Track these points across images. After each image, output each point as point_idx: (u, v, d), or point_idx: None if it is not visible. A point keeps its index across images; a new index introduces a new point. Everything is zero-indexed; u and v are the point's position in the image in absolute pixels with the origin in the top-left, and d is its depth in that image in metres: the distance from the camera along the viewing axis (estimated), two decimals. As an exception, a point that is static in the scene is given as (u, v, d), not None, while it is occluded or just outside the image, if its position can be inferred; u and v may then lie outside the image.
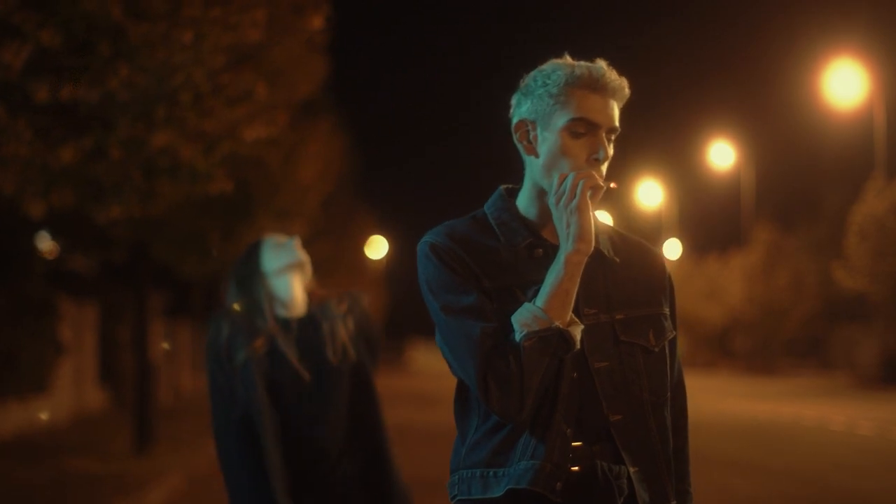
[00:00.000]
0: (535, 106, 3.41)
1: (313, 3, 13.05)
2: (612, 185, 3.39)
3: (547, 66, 3.43)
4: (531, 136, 3.43)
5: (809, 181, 54.16)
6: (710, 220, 64.09)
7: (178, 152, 9.73)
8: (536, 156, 3.41)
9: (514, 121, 3.47)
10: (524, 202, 3.47)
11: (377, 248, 72.32)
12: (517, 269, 3.36)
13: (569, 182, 3.28)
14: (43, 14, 8.35)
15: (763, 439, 20.93)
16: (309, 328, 5.51)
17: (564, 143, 3.35)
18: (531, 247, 3.40)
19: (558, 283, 3.23)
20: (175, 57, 9.04)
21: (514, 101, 3.49)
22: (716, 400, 31.01)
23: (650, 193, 64.24)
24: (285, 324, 5.48)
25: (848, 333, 47.32)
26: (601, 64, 3.40)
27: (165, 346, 22.27)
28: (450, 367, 3.40)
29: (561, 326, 3.19)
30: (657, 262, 3.59)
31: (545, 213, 3.42)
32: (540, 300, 3.23)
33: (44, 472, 15.42)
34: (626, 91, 3.44)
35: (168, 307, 32.60)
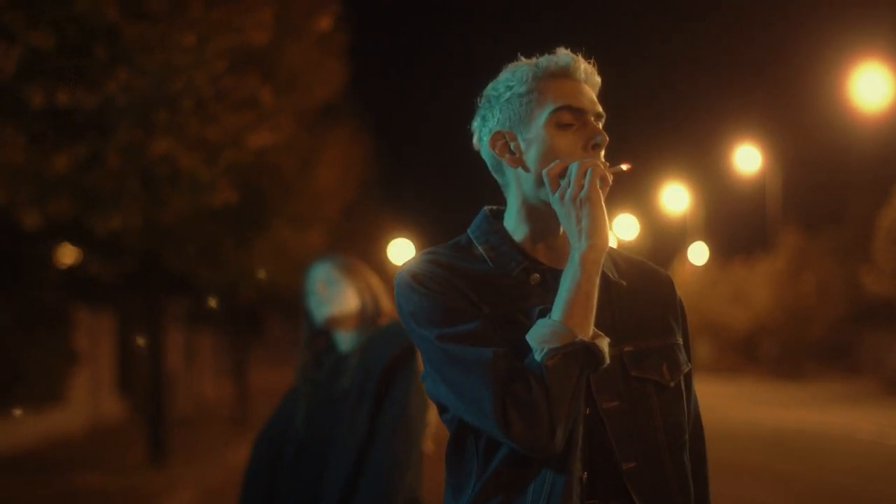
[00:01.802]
0: (507, 112, 3.02)
1: (322, 4, 12.68)
2: (625, 166, 3.00)
3: (504, 72, 3.06)
4: (511, 147, 3.02)
5: (836, 185, 53.68)
6: (736, 224, 63.63)
7: (177, 161, 9.36)
8: (525, 167, 3.00)
9: (486, 139, 3.05)
10: (512, 223, 3.06)
11: (403, 252, 71.77)
12: (515, 296, 2.94)
13: (574, 171, 2.87)
14: (33, 15, 8.01)
15: (790, 448, 20.49)
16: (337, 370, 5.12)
17: (553, 138, 2.96)
18: (526, 272, 2.99)
19: (576, 287, 2.80)
20: (175, 59, 8.69)
21: (475, 124, 3.10)
22: (741, 407, 30.60)
23: (676, 198, 63.85)
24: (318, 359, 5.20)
25: (876, 338, 46.85)
26: (564, 51, 3.02)
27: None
28: (441, 411, 2.98)
29: (586, 339, 2.76)
30: (666, 285, 3.19)
31: (538, 234, 3.03)
32: (557, 312, 2.78)
33: (51, 488, 15.15)
34: (597, 78, 3.06)
35: (189, 315, 32.38)
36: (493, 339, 2.83)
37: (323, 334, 5.21)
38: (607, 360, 2.79)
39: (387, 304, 5.15)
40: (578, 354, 2.75)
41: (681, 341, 3.12)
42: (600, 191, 2.88)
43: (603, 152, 2.99)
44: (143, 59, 8.50)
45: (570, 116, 2.96)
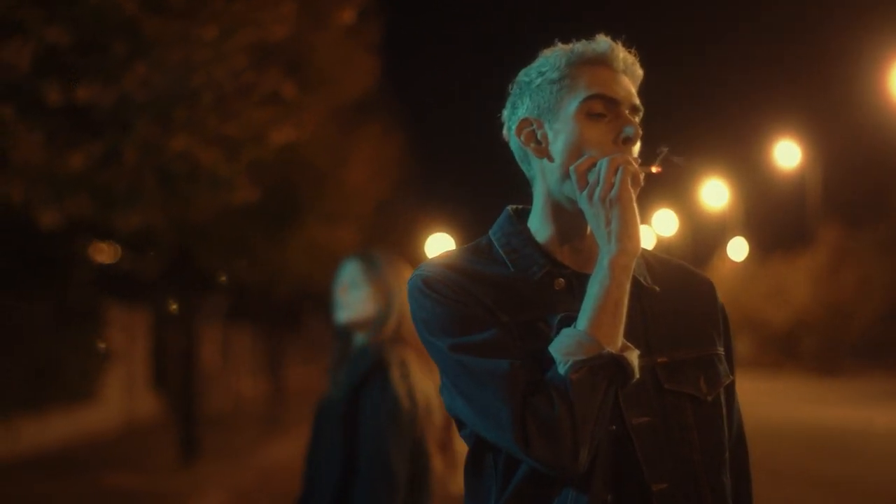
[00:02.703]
0: (536, 100, 2.79)
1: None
2: (655, 168, 2.76)
3: (538, 58, 2.84)
4: (538, 136, 2.80)
5: (876, 180, 53.19)
6: (776, 219, 63.20)
7: (196, 158, 9.17)
8: (550, 158, 2.78)
9: (513, 126, 2.83)
10: (536, 223, 2.83)
11: (441, 247, 71.20)
12: (537, 302, 2.70)
13: (603, 168, 2.64)
14: (48, 10, 7.83)
15: (831, 448, 20.17)
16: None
17: (583, 129, 2.72)
18: (550, 276, 2.75)
19: (604, 294, 2.56)
20: (195, 54, 8.49)
21: (505, 112, 2.88)
22: (781, 404, 30.29)
23: (715, 193, 63.46)
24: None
25: (918, 334, 46.53)
26: (604, 37, 2.79)
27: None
28: (459, 425, 2.76)
29: (614, 351, 2.52)
30: (707, 290, 2.94)
31: (564, 234, 2.79)
32: (583, 321, 2.55)
33: (80, 487, 15.03)
34: (639, 69, 2.82)
35: (226, 311, 32.31)
36: (510, 350, 2.60)
37: (346, 335, 5.00)
38: (637, 374, 2.56)
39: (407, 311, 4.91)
40: (606, 368, 2.52)
41: (721, 351, 2.87)
42: (631, 190, 2.65)
43: (637, 148, 2.76)
44: (162, 54, 8.32)
45: (603, 106, 2.73)
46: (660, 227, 65.72)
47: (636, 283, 2.74)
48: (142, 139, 8.86)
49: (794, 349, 59.68)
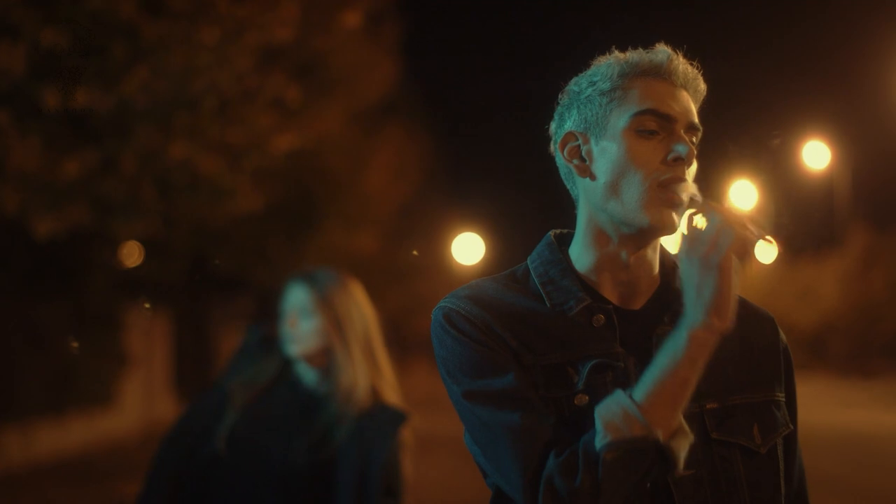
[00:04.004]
0: (584, 113, 2.53)
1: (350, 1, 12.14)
2: (769, 240, 2.48)
3: (591, 67, 2.56)
4: (583, 152, 2.54)
5: (906, 181, 52.95)
6: (805, 220, 62.81)
7: (196, 166, 8.93)
8: (593, 177, 2.52)
9: (558, 139, 2.58)
10: (577, 249, 2.58)
11: (469, 248, 70.23)
12: (570, 342, 2.43)
13: (713, 225, 2.33)
14: (44, 13, 7.62)
15: (863, 454, 19.82)
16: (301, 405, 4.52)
17: (631, 146, 2.45)
18: (589, 312, 2.49)
19: (673, 369, 2.27)
20: (197, 58, 8.27)
21: (553, 125, 2.62)
22: (812, 408, 29.80)
23: (744, 194, 63.12)
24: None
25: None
26: (663, 47, 2.51)
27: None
28: (482, 473, 2.51)
29: (663, 440, 2.22)
30: (768, 328, 2.70)
31: (606, 264, 2.53)
32: (640, 392, 2.25)
33: (95, 495, 14.91)
34: (701, 84, 2.55)
35: (247, 315, 32.20)
36: (529, 400, 2.36)
37: (270, 348, 4.61)
38: (680, 468, 2.25)
39: (377, 344, 4.57)
40: (647, 455, 2.22)
41: (781, 397, 2.63)
42: (735, 260, 2.35)
43: (693, 170, 2.49)
44: (162, 58, 8.11)
45: (655, 123, 2.47)
46: (686, 229, 65.50)
47: None
48: (141, 146, 8.64)
49: (823, 351, 59.33)
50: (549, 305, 2.52)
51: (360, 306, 4.57)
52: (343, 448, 4.35)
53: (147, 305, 19.76)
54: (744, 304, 2.66)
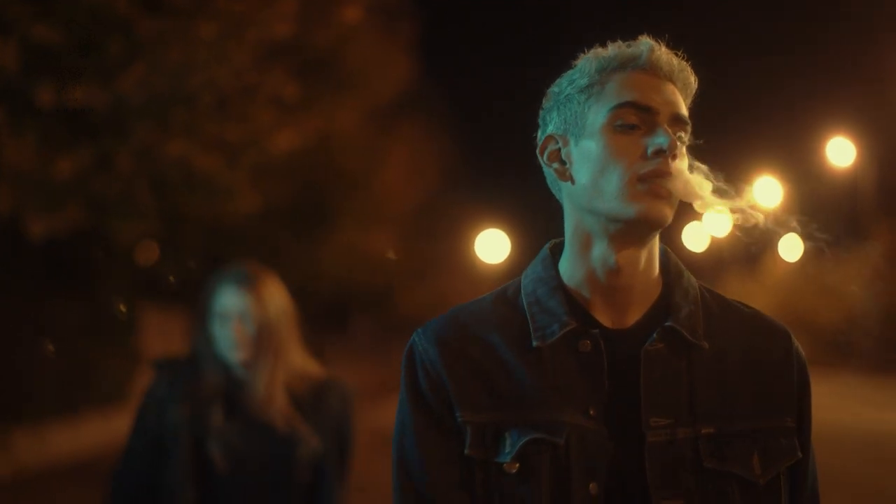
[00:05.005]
0: (564, 113, 2.34)
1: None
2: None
3: (573, 66, 2.35)
4: (563, 155, 2.33)
5: (932, 177, 52.74)
6: (829, 217, 62.63)
7: (192, 164, 8.78)
8: (573, 180, 2.31)
9: (539, 144, 2.39)
10: (566, 263, 2.36)
11: (493, 244, 69.60)
12: (549, 379, 2.24)
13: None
14: (35, 7, 7.46)
15: (891, 454, 19.54)
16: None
17: (610, 142, 2.24)
18: (574, 337, 2.27)
19: None
20: (194, 54, 8.12)
21: (539, 132, 2.41)
22: (835, 406, 29.66)
23: (768, 191, 62.89)
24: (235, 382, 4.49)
25: (976, 333, 45.97)
26: (646, 38, 2.29)
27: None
28: None
29: None
30: (781, 345, 2.42)
31: (597, 274, 2.31)
32: None
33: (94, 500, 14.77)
34: (691, 77, 2.32)
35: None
36: (449, 484, 2.23)
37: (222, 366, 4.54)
38: None
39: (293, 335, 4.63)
40: None
41: (791, 423, 2.36)
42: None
43: (681, 164, 2.27)
44: (159, 54, 7.96)
45: (636, 116, 2.25)
46: (712, 228, 65.18)
47: (681, 339, 2.27)
48: (138, 143, 8.50)
49: (847, 349, 59.14)
50: (531, 330, 2.31)
51: (283, 302, 4.60)
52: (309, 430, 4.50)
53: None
54: (754, 317, 2.46)
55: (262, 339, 4.48)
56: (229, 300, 4.48)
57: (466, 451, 2.24)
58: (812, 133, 58.84)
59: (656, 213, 2.25)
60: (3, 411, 17.41)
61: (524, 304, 2.36)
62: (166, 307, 24.58)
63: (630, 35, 2.40)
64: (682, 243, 42.76)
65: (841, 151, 54.43)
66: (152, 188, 9.24)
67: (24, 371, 18.02)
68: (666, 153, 2.23)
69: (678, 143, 2.27)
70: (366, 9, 12.08)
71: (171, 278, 18.78)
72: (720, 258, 46.20)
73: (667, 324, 2.28)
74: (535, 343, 2.30)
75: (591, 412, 2.25)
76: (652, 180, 2.24)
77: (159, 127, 8.55)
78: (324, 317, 31.37)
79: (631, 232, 2.29)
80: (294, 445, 4.44)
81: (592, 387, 2.25)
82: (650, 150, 2.23)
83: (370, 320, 49.18)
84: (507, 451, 2.23)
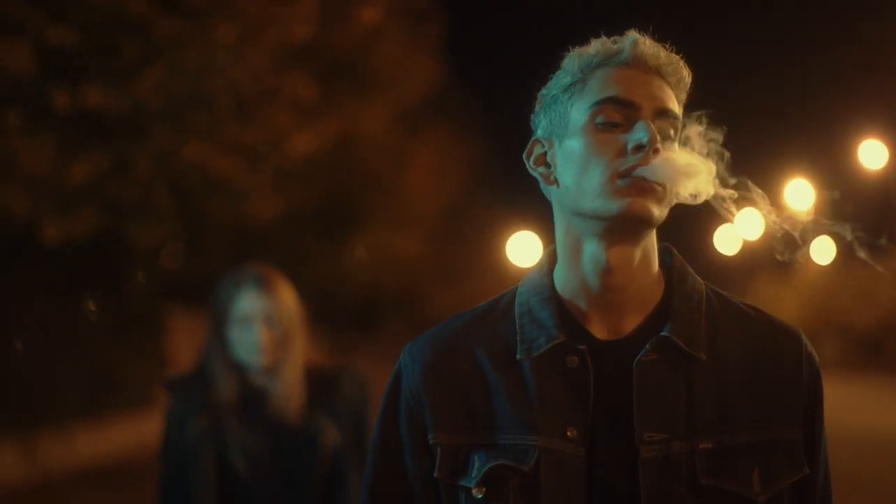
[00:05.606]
0: (549, 115, 2.21)
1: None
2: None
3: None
4: (548, 158, 2.21)
5: (967, 178, 52.52)
6: (861, 220, 62.38)
7: (209, 168, 8.68)
8: (558, 183, 2.19)
9: (526, 149, 2.27)
10: (559, 271, 2.24)
11: (525, 247, 69.28)
12: (531, 399, 2.13)
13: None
14: (49, 10, 7.37)
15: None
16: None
17: (591, 140, 2.11)
18: (562, 351, 2.14)
19: None
20: (213, 57, 8.02)
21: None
22: (866, 408, 29.47)
23: (800, 193, 62.67)
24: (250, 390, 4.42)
25: None
26: (633, 34, 2.15)
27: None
28: None
29: None
30: (791, 350, 2.25)
31: (584, 286, 2.18)
32: None
33: (135, 499, 14.71)
34: (683, 70, 2.17)
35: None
36: None
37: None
38: None
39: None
40: None
41: (797, 435, 2.19)
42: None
43: (667, 158, 2.12)
44: (177, 56, 7.85)
45: (618, 113, 2.13)
46: (743, 231, 65.02)
47: (677, 350, 2.14)
48: (157, 147, 8.40)
49: (880, 351, 58.91)
50: (518, 342, 2.20)
51: (296, 301, 4.53)
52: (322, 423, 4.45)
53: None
54: (762, 322, 2.30)
55: (287, 341, 4.42)
56: (252, 303, 4.38)
57: (435, 474, 2.17)
58: (844, 135, 58.62)
59: (639, 208, 2.12)
60: (30, 415, 17.43)
61: (516, 314, 2.25)
62: (192, 309, 24.61)
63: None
64: (713, 246, 42.55)
65: (873, 154, 54.16)
66: (171, 192, 9.15)
67: (50, 375, 18.02)
68: (646, 147, 2.11)
69: (659, 137, 2.13)
70: (389, 11, 12.01)
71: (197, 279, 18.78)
72: (752, 261, 45.94)
73: (661, 334, 2.15)
74: (518, 356, 2.20)
75: (570, 433, 2.13)
76: (632, 175, 2.12)
77: (177, 130, 8.45)
78: (354, 318, 31.37)
79: (618, 230, 2.16)
80: (313, 441, 4.38)
81: (576, 406, 2.13)
82: (630, 146, 2.11)
83: (401, 322, 49.25)
84: (473, 475, 2.15)
